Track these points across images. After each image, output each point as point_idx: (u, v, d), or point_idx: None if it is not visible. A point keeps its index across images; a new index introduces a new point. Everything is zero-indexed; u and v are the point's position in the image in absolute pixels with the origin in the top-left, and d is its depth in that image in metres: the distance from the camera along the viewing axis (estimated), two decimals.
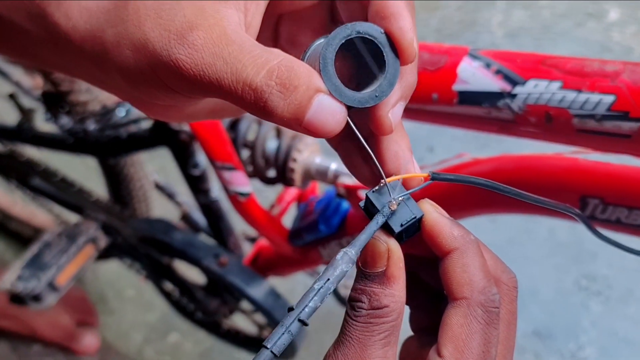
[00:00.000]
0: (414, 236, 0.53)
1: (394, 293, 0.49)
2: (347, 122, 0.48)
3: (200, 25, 0.45)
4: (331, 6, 0.56)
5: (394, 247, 0.50)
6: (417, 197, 0.53)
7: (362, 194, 1.27)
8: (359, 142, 0.51)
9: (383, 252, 0.49)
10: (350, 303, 0.50)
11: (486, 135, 2.76)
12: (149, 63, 0.46)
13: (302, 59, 0.51)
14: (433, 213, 0.52)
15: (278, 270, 1.67)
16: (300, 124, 0.46)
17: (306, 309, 0.46)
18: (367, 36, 0.48)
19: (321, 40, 0.50)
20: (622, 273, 2.47)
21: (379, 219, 0.50)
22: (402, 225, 0.51)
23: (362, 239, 0.49)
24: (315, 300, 0.47)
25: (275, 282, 1.68)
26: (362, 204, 0.53)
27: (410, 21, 0.48)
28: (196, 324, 2.02)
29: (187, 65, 0.44)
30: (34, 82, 1.84)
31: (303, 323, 0.46)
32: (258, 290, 1.56)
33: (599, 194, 0.86)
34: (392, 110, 0.50)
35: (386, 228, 0.51)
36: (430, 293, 0.58)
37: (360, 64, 0.53)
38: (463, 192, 1.01)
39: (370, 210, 0.52)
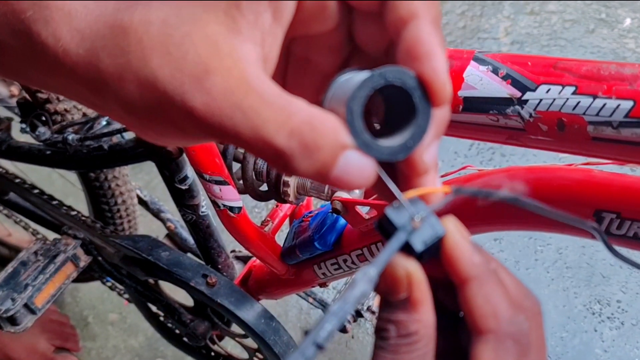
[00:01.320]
0: (434, 255, 0.52)
1: (421, 318, 0.49)
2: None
3: (217, 69, 0.43)
4: (349, 25, 0.55)
5: (415, 271, 0.48)
6: (440, 215, 0.52)
7: (360, 209, 1.26)
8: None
9: (402, 277, 0.48)
10: (379, 334, 0.50)
11: (491, 150, 2.81)
12: (159, 104, 0.45)
13: (324, 100, 0.51)
14: (456, 234, 0.50)
15: (270, 291, 1.66)
16: (326, 181, 0.45)
17: (323, 333, 0.45)
18: (396, 83, 0.47)
19: (345, 76, 0.50)
20: (637, 297, 2.46)
21: (400, 236, 0.49)
22: (425, 244, 0.49)
23: (382, 257, 0.48)
24: (333, 323, 0.46)
25: (268, 304, 1.67)
26: (376, 223, 0.51)
27: (444, 61, 0.47)
28: (183, 349, 2.01)
29: (202, 114, 0.44)
30: (10, 90, 1.83)
31: (320, 347, 0.45)
32: (249, 313, 1.54)
33: (615, 208, 0.84)
34: (427, 150, 0.50)
35: (405, 247, 0.50)
36: (447, 314, 0.56)
37: (389, 102, 0.52)
38: (470, 208, 1.00)
39: (386, 229, 0.51)
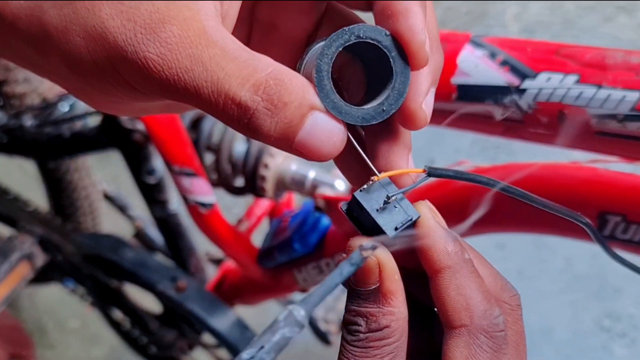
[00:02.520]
0: (407, 243, 0.52)
1: (393, 310, 0.49)
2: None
3: (174, 19, 0.44)
4: None
5: (386, 259, 0.49)
6: (413, 199, 0.52)
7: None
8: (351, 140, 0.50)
9: (373, 266, 0.48)
10: (346, 327, 0.50)
11: (495, 146, 2.80)
12: (107, 56, 0.45)
13: (299, 68, 0.51)
14: (429, 220, 0.51)
15: (246, 297, 1.66)
16: (291, 145, 0.45)
17: None
18: (370, 41, 0.48)
19: (322, 43, 0.50)
20: None
21: (343, 269, 0.48)
22: (396, 229, 0.50)
23: (318, 293, 0.47)
24: None
25: (243, 312, 1.66)
26: (344, 206, 0.52)
27: (422, 19, 0.47)
28: None
29: (158, 66, 0.44)
30: None
31: None
32: (222, 321, 1.54)
33: (620, 210, 0.84)
34: (425, 100, 0.50)
35: (376, 232, 0.50)
36: (421, 307, 0.57)
37: (371, 68, 0.53)
38: (462, 204, 0.98)
39: (354, 215, 0.52)
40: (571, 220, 0.59)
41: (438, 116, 0.85)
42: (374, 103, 0.49)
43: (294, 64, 0.53)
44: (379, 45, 0.48)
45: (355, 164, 0.54)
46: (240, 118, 0.44)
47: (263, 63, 0.45)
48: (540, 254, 2.60)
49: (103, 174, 2.49)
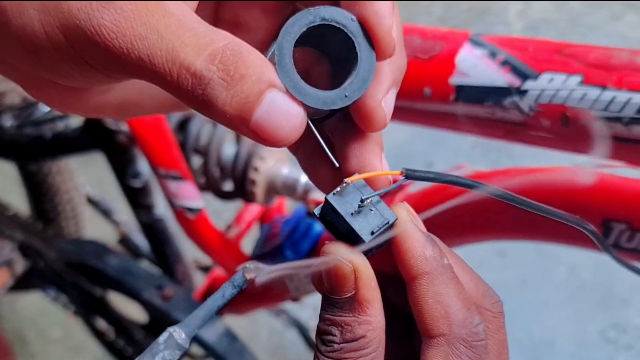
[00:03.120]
0: (383, 246, 0.52)
1: (370, 320, 0.49)
2: (308, 125, 0.48)
3: None
4: None
5: (361, 265, 0.49)
6: (391, 202, 0.53)
7: None
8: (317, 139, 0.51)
9: (348, 273, 0.48)
10: (320, 337, 0.50)
11: (497, 149, 2.80)
12: (61, 27, 0.44)
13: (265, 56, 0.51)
14: (407, 223, 0.51)
15: (236, 306, 1.65)
16: (247, 125, 0.45)
17: None
18: (334, 24, 0.48)
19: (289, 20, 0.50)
20: None
21: (226, 292, 0.49)
22: (372, 233, 0.50)
23: (199, 315, 0.47)
24: None
25: (232, 322, 1.66)
26: (317, 210, 0.52)
27: (389, 5, 0.48)
28: None
29: (112, 34, 0.43)
30: None
31: None
32: (210, 331, 1.54)
33: (625, 218, 0.84)
34: (385, 98, 0.50)
35: (352, 237, 0.50)
36: (399, 317, 0.57)
37: (335, 57, 0.53)
38: (454, 210, 0.98)
39: (328, 220, 0.52)
40: (574, 227, 0.58)
41: (436, 118, 0.87)
42: (337, 88, 0.48)
43: None
44: (345, 29, 0.48)
45: (323, 165, 0.54)
46: (194, 89, 0.44)
47: (222, 35, 0.45)
48: (543, 262, 2.60)
49: (86, 177, 2.47)
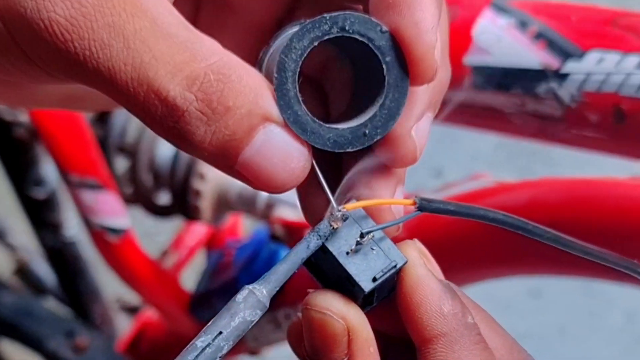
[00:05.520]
0: (387, 298, 0.52)
1: None
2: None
3: None
4: None
5: (358, 323, 0.48)
6: (398, 239, 0.52)
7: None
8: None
9: (340, 333, 0.47)
10: None
11: (528, 153, 2.85)
12: (1, 16, 0.43)
13: (261, 60, 0.51)
14: (419, 267, 0.50)
15: None
16: (232, 166, 0.45)
17: None
18: (358, 37, 0.46)
19: (295, 29, 0.48)
20: None
21: (310, 242, 0.48)
22: (375, 279, 0.48)
23: (280, 270, 0.48)
24: None
25: None
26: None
27: (434, 14, 0.46)
28: None
29: (66, 34, 0.42)
30: None
31: None
32: None
33: None
34: (418, 126, 0.50)
35: (345, 284, 0.49)
36: None
37: (360, 69, 0.53)
38: (467, 235, 0.96)
39: (312, 261, 0.51)
40: (624, 271, 0.59)
41: (446, 110, 0.83)
42: (355, 122, 0.48)
43: (256, 56, 0.53)
44: (370, 44, 0.46)
45: (320, 191, 0.52)
46: (165, 119, 0.43)
47: (206, 49, 0.44)
48: (590, 305, 2.61)
49: None
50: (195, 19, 0.58)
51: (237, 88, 0.43)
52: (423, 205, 0.50)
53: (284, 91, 0.45)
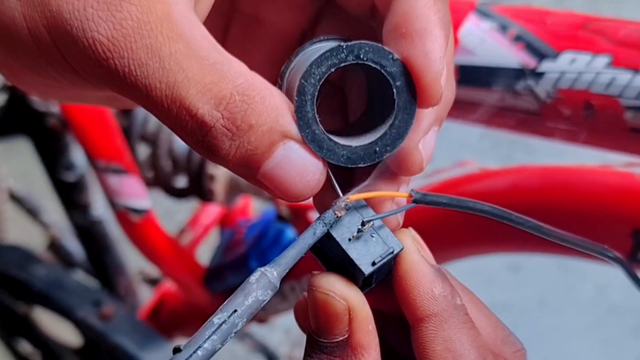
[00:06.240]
0: (384, 280, 0.53)
1: None
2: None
3: None
4: None
5: (358, 303, 0.49)
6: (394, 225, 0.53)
7: (313, 216, 1.26)
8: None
9: (341, 312, 0.49)
10: None
11: (510, 141, 2.79)
12: (48, 28, 0.45)
13: (283, 74, 0.52)
14: (413, 254, 0.51)
15: (189, 328, 1.65)
16: (254, 176, 0.46)
17: (199, 352, 0.45)
18: (371, 64, 0.48)
19: (319, 45, 0.52)
20: None
21: (317, 229, 0.50)
22: (374, 263, 0.50)
23: (289, 255, 0.49)
24: (213, 340, 0.46)
25: None
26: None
27: (442, 45, 0.48)
28: None
29: (107, 52, 0.44)
30: None
31: None
32: (157, 357, 1.53)
33: None
34: (424, 140, 0.51)
35: (347, 268, 0.50)
36: None
37: (373, 87, 0.53)
38: (455, 218, 1.00)
39: (317, 247, 0.52)
40: (596, 255, 0.60)
41: None
42: (366, 140, 0.49)
43: (281, 65, 0.54)
44: (382, 71, 0.48)
45: (329, 191, 0.53)
46: (194, 133, 0.45)
47: (234, 71, 0.45)
48: (565, 279, 2.61)
49: (9, 168, 2.46)
50: (226, 32, 0.60)
51: (259, 108, 0.45)
52: (418, 198, 0.52)
53: (303, 112, 0.47)
